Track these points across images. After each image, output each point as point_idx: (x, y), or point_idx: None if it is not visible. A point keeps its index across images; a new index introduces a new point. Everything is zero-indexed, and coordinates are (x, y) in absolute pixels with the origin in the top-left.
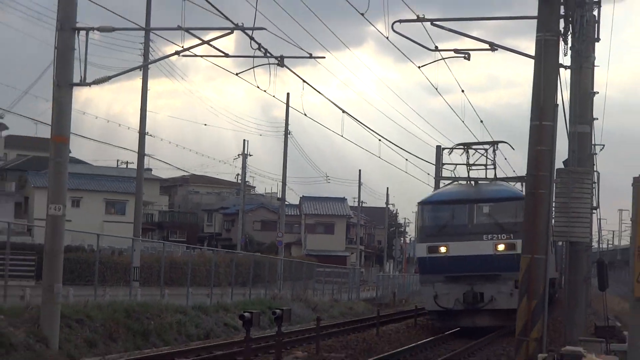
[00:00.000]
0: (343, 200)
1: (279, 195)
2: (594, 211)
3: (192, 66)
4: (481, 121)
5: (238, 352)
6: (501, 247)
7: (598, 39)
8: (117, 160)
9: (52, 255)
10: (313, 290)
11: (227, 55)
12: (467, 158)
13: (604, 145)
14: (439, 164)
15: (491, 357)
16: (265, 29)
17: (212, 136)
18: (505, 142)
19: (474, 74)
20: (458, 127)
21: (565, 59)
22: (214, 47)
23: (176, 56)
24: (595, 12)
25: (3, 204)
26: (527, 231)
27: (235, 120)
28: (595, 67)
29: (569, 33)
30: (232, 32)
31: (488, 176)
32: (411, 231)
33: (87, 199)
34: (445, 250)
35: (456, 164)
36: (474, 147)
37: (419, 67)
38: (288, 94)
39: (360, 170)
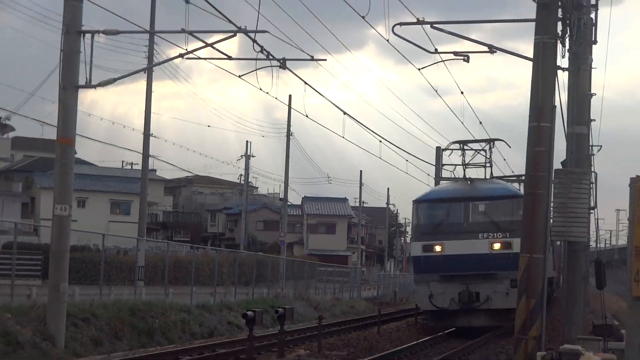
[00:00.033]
0: (344, 200)
1: (282, 195)
2: (592, 211)
3: (196, 68)
4: (480, 122)
5: (241, 351)
6: (497, 245)
7: (595, 42)
8: (122, 162)
9: (58, 254)
10: (315, 290)
11: (230, 58)
12: (463, 156)
13: (601, 146)
14: (438, 164)
15: (491, 355)
16: (267, 31)
17: (215, 137)
18: (502, 140)
19: (473, 76)
20: (458, 128)
21: (563, 61)
22: (217, 50)
23: (180, 59)
24: (593, 15)
25: (10, 204)
26: (526, 231)
27: (238, 122)
28: (592, 69)
29: (566, 36)
30: (235, 35)
31: (479, 171)
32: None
33: (93, 199)
34: (440, 249)
35: (455, 165)
36: (469, 144)
37: (419, 69)
38: (290, 95)
39: (361, 171)
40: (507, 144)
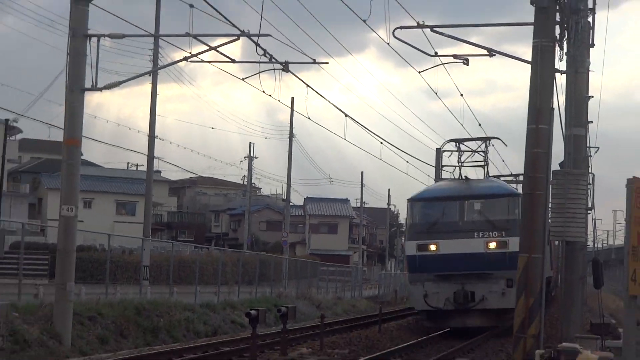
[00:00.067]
0: (346, 201)
1: (284, 196)
2: (589, 211)
3: (200, 71)
4: (480, 124)
5: (245, 349)
6: (492, 244)
7: (593, 45)
8: (128, 163)
9: (65, 254)
10: (317, 289)
11: (233, 61)
12: (459, 154)
13: (598, 148)
14: (438, 165)
15: (490, 353)
16: (270, 35)
17: (219, 139)
18: (498, 138)
19: (472, 79)
20: (457, 130)
21: (561, 64)
22: (221, 53)
23: (184, 62)
24: (590, 19)
25: (17, 205)
26: (525, 231)
27: (241, 124)
28: (590, 72)
29: (564, 39)
30: (238, 39)
31: (478, 171)
32: None
33: (99, 200)
34: (435, 248)
35: (455, 166)
36: (465, 143)
37: (419, 72)
38: (292, 98)
39: (362, 172)
40: (503, 142)
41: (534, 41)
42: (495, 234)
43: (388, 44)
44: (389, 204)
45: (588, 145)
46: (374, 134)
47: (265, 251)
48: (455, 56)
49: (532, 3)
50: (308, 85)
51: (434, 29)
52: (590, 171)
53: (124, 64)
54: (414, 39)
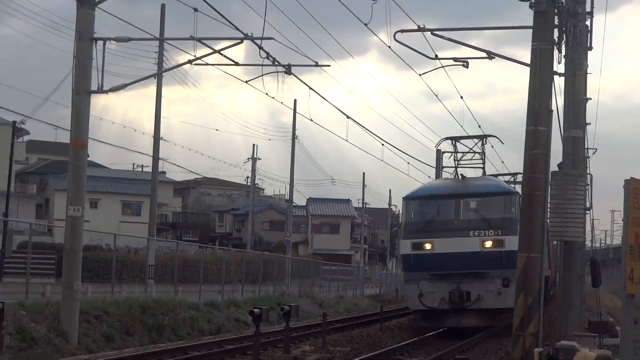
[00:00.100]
0: (348, 201)
1: (287, 196)
2: (587, 212)
3: (204, 74)
4: (479, 126)
5: (248, 347)
6: (489, 243)
7: (591, 48)
8: (133, 164)
9: (72, 254)
10: (319, 288)
11: (237, 64)
12: (455, 152)
13: (596, 149)
14: (438, 166)
15: (489, 351)
16: (273, 38)
17: (223, 141)
18: (495, 136)
19: (472, 81)
20: (457, 131)
21: (559, 67)
22: (225, 56)
23: (189, 65)
24: (588, 22)
25: (25, 205)
26: (524, 231)
27: (245, 126)
28: (588, 75)
29: (562, 42)
30: (241, 42)
31: (477, 171)
32: None
33: (105, 200)
34: (430, 247)
35: (455, 167)
36: (462, 141)
37: (419, 75)
38: (295, 100)
39: (364, 173)
40: (500, 140)
41: (532, 44)
42: (491, 233)
43: (389, 47)
44: (390, 204)
45: (586, 146)
46: (376, 135)
47: (269, 251)
48: (455, 59)
49: (531, 7)
50: (310, 88)
51: (434, 32)
52: (588, 172)
53: (130, 66)
54: (415, 42)
